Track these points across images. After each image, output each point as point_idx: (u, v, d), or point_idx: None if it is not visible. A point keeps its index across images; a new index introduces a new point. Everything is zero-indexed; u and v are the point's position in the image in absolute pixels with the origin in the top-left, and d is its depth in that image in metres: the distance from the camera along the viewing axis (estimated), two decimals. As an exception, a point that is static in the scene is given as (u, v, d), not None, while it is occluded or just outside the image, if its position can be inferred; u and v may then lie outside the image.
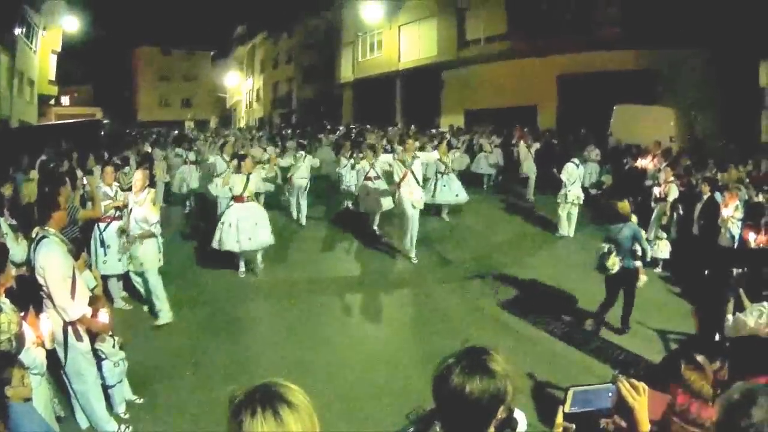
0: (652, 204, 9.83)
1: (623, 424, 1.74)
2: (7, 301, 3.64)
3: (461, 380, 1.57)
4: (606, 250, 6.36)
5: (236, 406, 1.34)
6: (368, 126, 23.35)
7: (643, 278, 6.52)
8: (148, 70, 49.33)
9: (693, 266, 8.12)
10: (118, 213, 6.84)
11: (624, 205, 6.60)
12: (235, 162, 8.39)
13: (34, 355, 3.68)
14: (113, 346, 4.67)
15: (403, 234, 8.99)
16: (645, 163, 12.57)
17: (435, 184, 10.93)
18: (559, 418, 1.70)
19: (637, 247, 6.49)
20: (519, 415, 1.85)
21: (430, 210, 11.15)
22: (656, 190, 9.93)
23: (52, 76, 28.34)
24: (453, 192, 10.99)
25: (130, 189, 6.75)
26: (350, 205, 11.99)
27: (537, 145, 14.35)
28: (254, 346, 6.22)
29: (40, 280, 3.93)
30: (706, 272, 7.87)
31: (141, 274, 6.53)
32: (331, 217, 11.58)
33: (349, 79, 32.25)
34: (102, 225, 6.75)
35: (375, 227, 10.42)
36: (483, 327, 6.85)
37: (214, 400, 4.68)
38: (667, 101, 15.51)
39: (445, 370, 1.61)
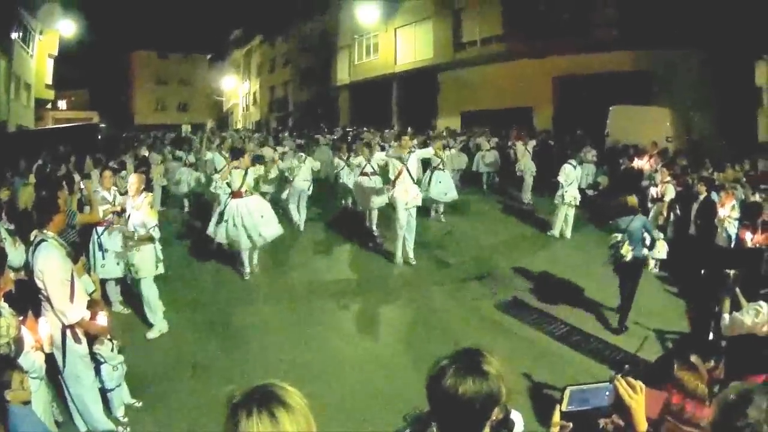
0: (649, 204, 9.86)
1: (621, 423, 1.74)
2: (6, 305, 3.64)
3: (454, 382, 1.57)
4: (619, 239, 6.75)
5: (233, 407, 1.36)
6: (365, 128, 23.33)
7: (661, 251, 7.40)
8: (144, 73, 49.26)
9: (690, 266, 8.14)
10: (116, 217, 6.82)
11: (633, 199, 7.22)
12: (233, 158, 8.34)
13: (33, 359, 3.69)
14: (112, 350, 4.68)
15: (395, 237, 8.95)
16: (642, 163, 12.61)
17: (429, 179, 10.89)
18: (556, 417, 1.71)
19: (646, 237, 7.03)
20: (516, 415, 1.85)
21: (428, 212, 11.16)
22: (653, 191, 9.97)
23: (49, 80, 28.30)
24: (443, 190, 10.95)
25: (127, 193, 6.73)
26: (349, 203, 11.96)
27: (533, 143, 14.36)
28: (253, 348, 6.22)
29: (39, 284, 3.92)
30: (702, 272, 7.89)
31: (137, 282, 6.46)
32: (329, 219, 11.57)
33: (345, 81, 32.25)
34: (100, 229, 6.73)
35: (374, 227, 10.37)
36: (481, 328, 6.87)
37: (212, 402, 4.65)
38: (664, 102, 15.53)
39: (439, 371, 1.62)
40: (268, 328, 6.76)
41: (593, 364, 5.96)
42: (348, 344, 6.43)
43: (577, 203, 10.49)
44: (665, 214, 9.52)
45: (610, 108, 15.93)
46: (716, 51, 15.00)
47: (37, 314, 4.03)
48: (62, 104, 40.11)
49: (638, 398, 1.64)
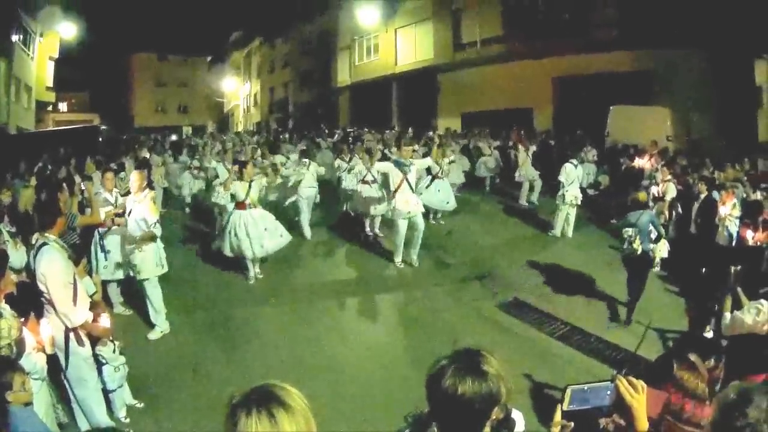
0: (650, 203, 9.84)
1: (622, 422, 1.74)
2: (7, 306, 3.65)
3: (454, 382, 1.58)
4: (631, 233, 7.03)
5: (233, 407, 1.37)
6: (365, 129, 23.32)
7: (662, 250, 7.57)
8: (144, 76, 49.22)
9: (691, 265, 8.14)
10: (117, 218, 6.80)
11: (642, 195, 7.63)
12: (236, 168, 8.25)
13: (34, 360, 3.70)
14: (114, 351, 4.68)
15: (394, 246, 8.95)
16: (642, 162, 12.61)
17: (428, 186, 10.78)
18: (558, 416, 1.71)
19: (653, 230, 7.34)
20: (516, 415, 1.85)
21: (426, 215, 11.12)
22: (653, 190, 9.96)
23: (50, 83, 28.32)
24: (444, 199, 10.91)
25: (128, 194, 6.72)
26: (348, 209, 11.90)
27: (534, 148, 14.32)
28: (254, 349, 6.23)
29: (42, 287, 3.94)
30: (703, 270, 7.90)
31: (140, 282, 6.42)
32: (330, 221, 11.55)
33: (345, 82, 32.22)
34: (102, 230, 6.72)
35: (376, 230, 10.38)
36: (481, 328, 6.87)
37: (214, 403, 4.66)
38: (664, 102, 15.51)
39: (439, 371, 1.63)
40: (268, 329, 6.77)
41: (594, 364, 5.96)
42: (348, 345, 6.43)
43: (578, 203, 10.47)
44: (666, 213, 9.51)
45: (611, 108, 15.90)
46: (716, 51, 14.99)
47: (39, 316, 4.04)
48: (63, 106, 40.09)
49: (639, 398, 1.64)
